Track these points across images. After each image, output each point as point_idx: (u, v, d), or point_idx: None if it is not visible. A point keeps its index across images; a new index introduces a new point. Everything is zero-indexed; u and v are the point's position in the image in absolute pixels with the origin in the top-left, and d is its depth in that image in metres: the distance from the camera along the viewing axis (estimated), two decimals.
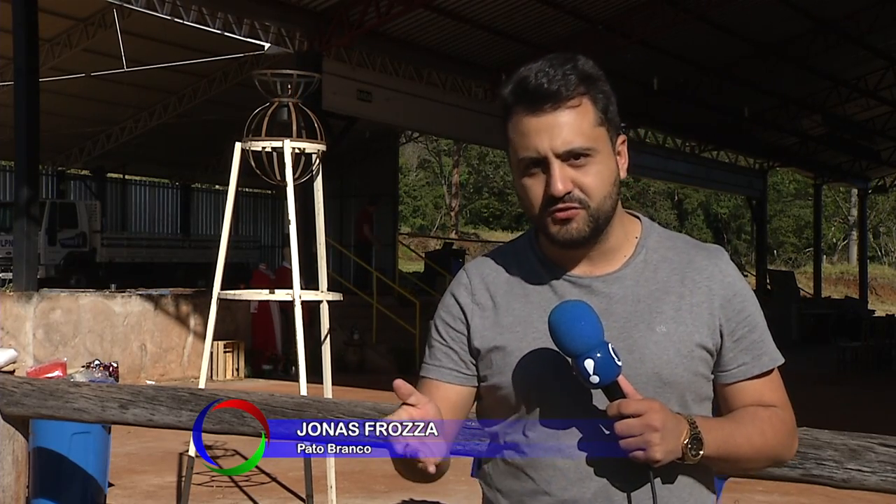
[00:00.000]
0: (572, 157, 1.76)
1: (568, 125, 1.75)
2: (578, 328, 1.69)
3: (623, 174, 1.84)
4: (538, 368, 1.80)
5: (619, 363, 1.69)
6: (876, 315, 28.93)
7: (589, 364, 1.68)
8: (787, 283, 28.68)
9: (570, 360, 1.72)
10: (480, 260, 1.97)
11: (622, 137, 1.85)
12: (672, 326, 1.80)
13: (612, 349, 1.70)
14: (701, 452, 1.73)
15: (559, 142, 1.75)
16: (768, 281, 29.61)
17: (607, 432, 1.71)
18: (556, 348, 1.74)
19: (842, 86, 26.88)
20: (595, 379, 1.69)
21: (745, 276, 30.61)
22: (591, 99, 1.78)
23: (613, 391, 1.70)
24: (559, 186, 1.75)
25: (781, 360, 1.89)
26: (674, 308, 1.82)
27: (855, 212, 45.96)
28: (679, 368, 1.79)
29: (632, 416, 1.67)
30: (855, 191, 41.81)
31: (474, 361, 1.89)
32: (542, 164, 1.77)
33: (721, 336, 1.84)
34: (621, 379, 1.70)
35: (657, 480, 1.75)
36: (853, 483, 3.09)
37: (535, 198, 1.80)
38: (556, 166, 1.76)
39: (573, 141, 1.75)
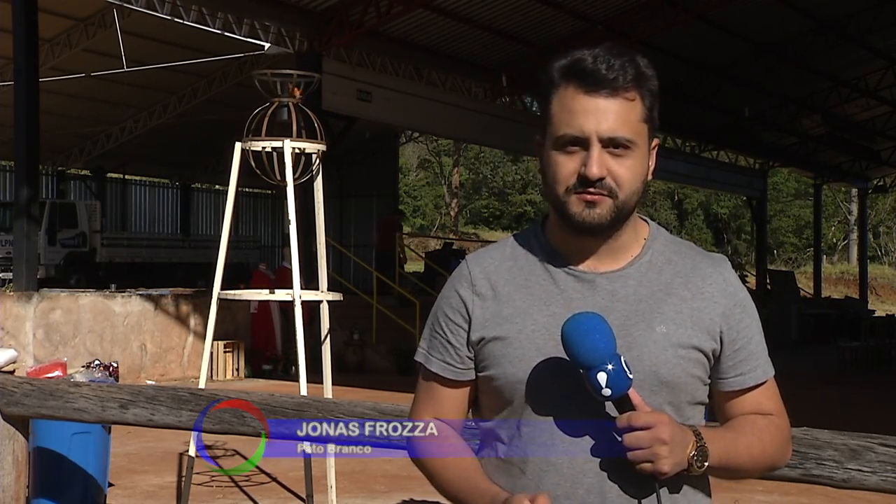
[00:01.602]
0: (613, 145, 1.77)
1: (617, 113, 1.77)
2: (592, 341, 1.69)
3: (650, 177, 1.86)
4: (536, 362, 1.80)
5: (631, 376, 1.70)
6: (876, 315, 28.93)
7: (602, 377, 1.68)
8: (787, 283, 28.65)
9: (581, 371, 1.71)
10: (481, 251, 1.97)
11: (656, 141, 1.87)
12: (672, 327, 1.81)
13: (625, 362, 1.70)
14: (706, 464, 1.75)
15: (605, 127, 1.76)
16: (768, 281, 29.60)
17: (619, 438, 1.71)
18: (554, 342, 1.74)
19: (842, 86, 26.89)
20: (607, 392, 1.69)
21: (745, 276, 30.50)
22: (641, 95, 1.80)
23: (623, 403, 1.71)
24: (595, 170, 1.76)
25: (773, 372, 1.91)
26: (675, 310, 1.83)
27: (855, 212, 45.96)
28: (676, 369, 1.80)
29: (641, 428, 1.68)
30: (855, 191, 41.82)
31: (471, 355, 1.89)
32: (582, 143, 1.77)
33: (721, 343, 1.85)
34: (631, 391, 1.71)
35: (663, 489, 1.76)
36: (853, 483, 3.09)
37: (565, 175, 1.79)
38: (597, 150, 1.77)
39: (619, 130, 1.77)
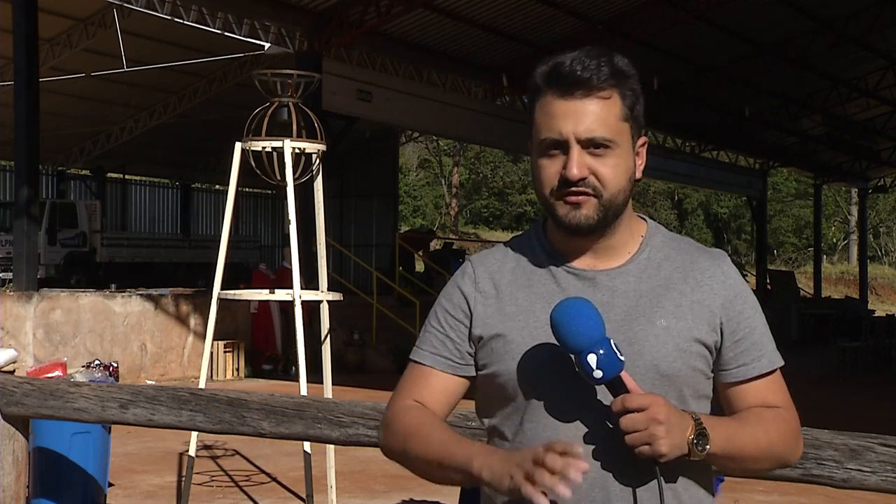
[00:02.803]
0: (593, 145, 1.79)
1: (594, 114, 1.79)
2: (580, 324, 1.70)
3: (639, 175, 1.88)
4: (537, 358, 1.81)
5: (622, 358, 1.70)
6: (876, 315, 28.93)
7: (592, 359, 1.69)
8: (787, 283, 28.67)
9: (572, 356, 1.72)
10: (485, 252, 1.99)
11: (643, 139, 1.89)
12: (672, 321, 1.82)
13: (614, 344, 1.71)
14: (707, 447, 1.73)
15: (583, 128, 1.78)
16: (768, 281, 29.62)
17: (611, 426, 1.72)
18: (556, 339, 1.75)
19: (842, 86, 26.89)
20: (598, 374, 1.69)
21: (745, 276, 30.66)
22: (620, 94, 1.82)
23: (616, 386, 1.71)
24: (575, 171, 1.78)
25: (781, 363, 1.90)
26: (674, 304, 1.84)
27: (855, 212, 45.97)
28: (677, 362, 1.81)
29: (636, 410, 1.68)
30: (855, 191, 41.83)
31: (471, 351, 1.90)
32: (562, 146, 1.80)
33: (721, 335, 1.85)
34: (624, 374, 1.71)
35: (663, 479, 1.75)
36: (853, 483, 3.09)
37: (549, 179, 1.82)
38: (576, 151, 1.78)
39: (596, 130, 1.78)
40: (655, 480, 1.74)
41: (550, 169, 1.81)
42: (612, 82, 1.80)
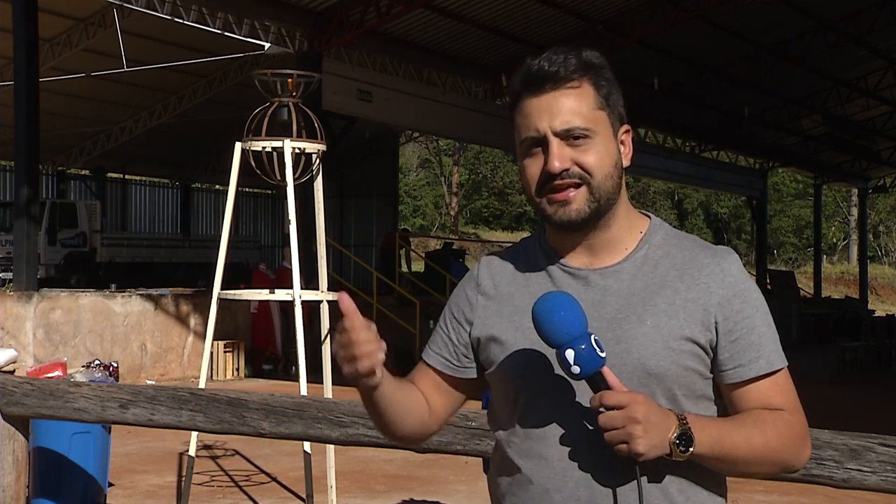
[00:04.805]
0: (571, 136, 1.79)
1: (567, 106, 1.79)
2: (558, 318, 1.69)
3: (626, 162, 1.86)
4: (530, 359, 1.81)
5: (603, 355, 1.68)
6: (876, 315, 28.92)
7: (570, 354, 1.68)
8: (787, 283, 28.66)
9: (553, 350, 1.72)
10: (495, 253, 2.02)
11: (626, 127, 1.87)
12: (663, 320, 1.79)
13: (595, 340, 1.69)
14: (690, 450, 1.70)
15: (558, 121, 1.78)
16: (768, 281, 29.60)
17: (591, 428, 1.71)
18: None
19: (842, 86, 26.90)
20: (576, 369, 1.68)
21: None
22: (592, 83, 1.81)
23: (597, 383, 1.69)
24: (556, 163, 1.78)
25: (782, 364, 1.84)
26: (667, 302, 1.81)
27: (855, 212, 45.97)
28: (665, 361, 1.78)
29: (614, 407, 1.66)
30: (855, 191, 41.83)
31: (469, 355, 1.92)
32: (542, 143, 1.80)
33: (717, 334, 1.81)
34: (606, 371, 1.69)
35: (644, 478, 1.73)
36: (853, 483, 3.09)
37: (534, 177, 1.82)
38: (555, 144, 1.79)
39: (571, 121, 1.79)
40: (637, 478, 1.71)
41: (534, 168, 1.82)
42: (581, 73, 1.80)
